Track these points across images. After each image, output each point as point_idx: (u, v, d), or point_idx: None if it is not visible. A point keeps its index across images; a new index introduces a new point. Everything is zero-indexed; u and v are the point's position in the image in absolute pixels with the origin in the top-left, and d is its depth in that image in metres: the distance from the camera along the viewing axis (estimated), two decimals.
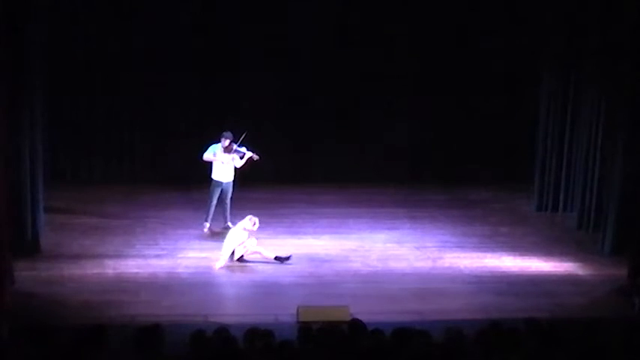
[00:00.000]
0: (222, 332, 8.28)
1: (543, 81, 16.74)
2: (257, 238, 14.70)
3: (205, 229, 14.94)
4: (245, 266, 13.45)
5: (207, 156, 14.83)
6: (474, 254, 14.16)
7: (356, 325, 8.65)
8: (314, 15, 17.77)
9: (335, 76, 18.02)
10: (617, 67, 14.52)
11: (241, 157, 14.84)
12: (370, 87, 18.21)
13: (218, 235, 14.89)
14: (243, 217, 15.40)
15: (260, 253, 13.57)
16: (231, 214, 15.07)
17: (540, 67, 16.87)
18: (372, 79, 18.15)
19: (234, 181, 14.94)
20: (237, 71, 17.90)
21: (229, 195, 14.92)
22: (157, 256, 13.75)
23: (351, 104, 18.19)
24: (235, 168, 14.92)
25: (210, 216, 14.92)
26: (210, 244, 14.46)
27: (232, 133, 14.81)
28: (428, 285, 12.81)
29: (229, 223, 15.05)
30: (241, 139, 14.75)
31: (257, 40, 17.76)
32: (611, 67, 14.75)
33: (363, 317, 8.89)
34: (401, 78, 18.26)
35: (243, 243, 13.52)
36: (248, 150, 14.83)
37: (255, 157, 14.86)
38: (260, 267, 13.45)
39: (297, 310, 11.22)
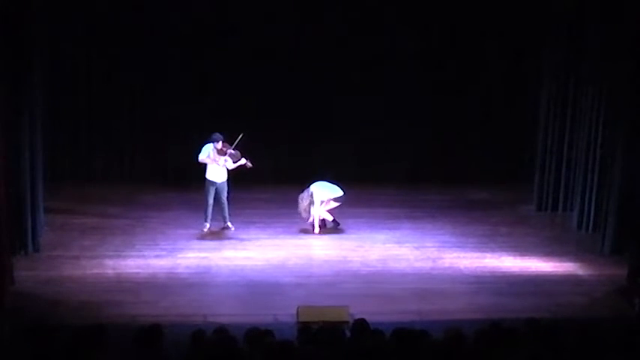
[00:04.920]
0: (222, 332, 8.28)
1: (543, 81, 16.74)
2: (257, 239, 14.75)
3: (205, 230, 14.93)
4: (245, 266, 13.46)
5: (202, 157, 14.84)
6: (474, 254, 14.16)
7: (360, 324, 8.65)
8: (313, 15, 17.78)
9: (335, 76, 18.02)
10: (617, 67, 14.52)
11: (234, 162, 14.81)
12: (370, 87, 18.20)
13: (218, 235, 14.91)
14: (243, 217, 15.47)
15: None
16: (231, 214, 15.06)
17: (540, 67, 16.87)
18: (372, 79, 18.15)
19: (228, 180, 14.91)
20: (236, 71, 17.89)
21: (225, 194, 14.90)
22: (157, 256, 13.76)
23: (351, 104, 18.17)
24: (227, 169, 14.91)
25: (209, 216, 14.91)
26: (210, 244, 14.47)
27: (231, 133, 14.82)
28: (428, 285, 12.81)
29: (229, 223, 15.05)
30: (237, 141, 14.73)
31: (256, 40, 17.75)
32: (611, 67, 14.75)
33: (363, 317, 8.88)
34: (401, 78, 18.25)
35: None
36: (242, 156, 14.80)
37: (249, 164, 14.83)
38: (260, 267, 13.46)
39: (297, 310, 11.21)
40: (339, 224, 15.23)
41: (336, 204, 15.11)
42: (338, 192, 15.12)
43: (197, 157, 14.90)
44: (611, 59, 14.70)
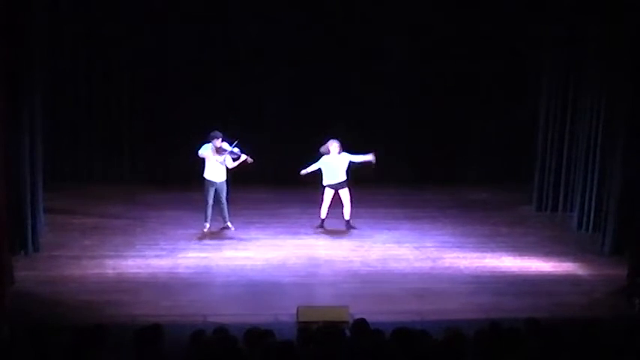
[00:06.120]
0: (222, 332, 8.28)
1: (543, 81, 16.74)
2: (257, 239, 14.75)
3: (205, 230, 14.92)
4: (245, 266, 13.46)
5: (202, 152, 14.79)
6: (474, 254, 14.16)
7: (360, 324, 8.64)
8: (314, 15, 17.78)
9: (335, 76, 18.02)
10: (617, 67, 14.52)
11: (235, 159, 14.80)
12: (370, 87, 18.21)
13: (218, 235, 14.90)
14: (243, 218, 15.47)
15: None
16: (230, 214, 15.05)
17: (540, 67, 16.88)
18: (372, 79, 18.15)
19: (227, 180, 14.90)
20: (237, 71, 17.90)
21: (224, 194, 14.88)
22: (157, 256, 13.76)
23: (350, 104, 18.17)
24: (227, 168, 14.90)
25: (209, 216, 14.90)
26: (210, 244, 14.47)
27: (231, 133, 14.82)
28: (428, 285, 12.81)
29: (228, 223, 15.05)
30: (233, 145, 14.72)
31: (257, 40, 17.76)
32: (611, 67, 14.75)
33: (363, 317, 8.88)
34: (401, 78, 18.26)
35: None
36: (242, 152, 14.79)
37: (249, 159, 14.82)
38: (260, 267, 13.46)
39: (297, 310, 11.22)
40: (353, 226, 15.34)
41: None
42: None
43: (197, 154, 14.88)
44: (611, 59, 14.70)
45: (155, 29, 17.59)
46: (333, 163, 15.08)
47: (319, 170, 15.13)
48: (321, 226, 15.28)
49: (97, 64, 17.70)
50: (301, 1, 17.77)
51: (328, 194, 15.14)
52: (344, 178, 15.16)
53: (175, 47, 17.70)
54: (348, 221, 15.29)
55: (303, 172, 15.13)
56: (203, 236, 14.79)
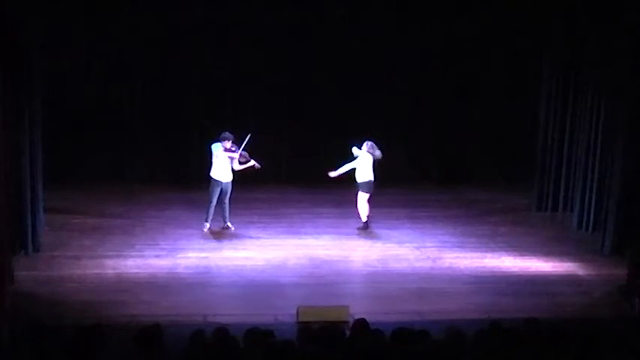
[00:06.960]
0: (222, 332, 8.27)
1: (543, 81, 16.76)
2: (257, 239, 14.73)
3: (205, 229, 14.93)
4: (245, 266, 13.46)
5: (214, 149, 14.70)
6: (474, 254, 14.16)
7: (360, 324, 8.64)
8: (314, 15, 17.79)
9: (336, 76, 18.03)
10: (617, 68, 14.53)
11: (243, 163, 14.77)
12: (371, 87, 18.22)
13: (218, 235, 14.90)
14: (243, 217, 15.46)
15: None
16: (231, 214, 15.06)
17: (540, 67, 16.88)
18: (373, 79, 18.16)
19: (233, 181, 14.90)
20: (238, 72, 17.92)
21: (228, 195, 14.89)
22: (157, 256, 13.75)
23: (351, 104, 18.19)
24: (233, 169, 14.89)
25: (211, 216, 14.90)
26: (210, 244, 14.47)
27: (235, 133, 14.81)
28: (428, 285, 12.80)
29: (228, 223, 15.05)
30: (245, 142, 14.68)
31: (258, 40, 17.77)
32: (611, 68, 14.76)
33: (363, 317, 8.88)
34: (401, 78, 18.28)
35: None
36: (250, 157, 14.76)
37: (257, 165, 14.81)
38: (260, 267, 13.45)
39: (297, 310, 11.21)
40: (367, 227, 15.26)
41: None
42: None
43: (209, 153, 14.81)
44: (611, 59, 14.70)
45: (156, 29, 17.59)
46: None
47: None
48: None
49: (97, 63, 17.70)
50: (302, 1, 17.78)
51: None
52: None
53: (176, 47, 17.71)
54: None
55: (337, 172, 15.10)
56: (203, 236, 14.78)
